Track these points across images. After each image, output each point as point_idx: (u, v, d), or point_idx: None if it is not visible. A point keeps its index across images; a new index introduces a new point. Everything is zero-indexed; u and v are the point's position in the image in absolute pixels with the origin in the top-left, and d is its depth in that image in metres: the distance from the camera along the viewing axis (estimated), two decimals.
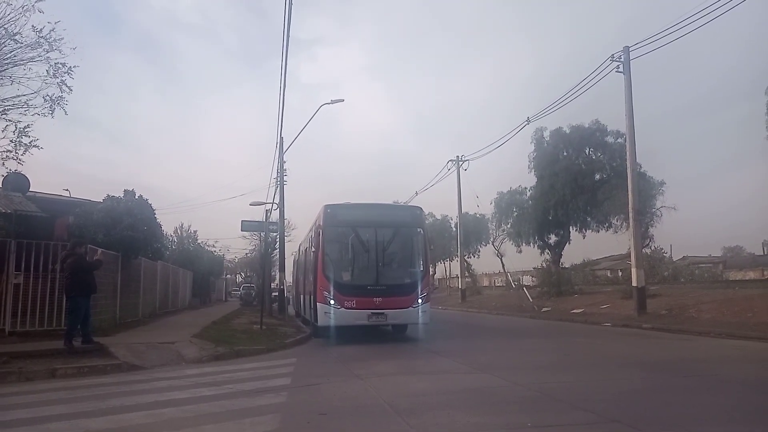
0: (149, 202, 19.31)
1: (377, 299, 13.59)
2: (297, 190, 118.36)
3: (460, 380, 8.52)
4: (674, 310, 18.95)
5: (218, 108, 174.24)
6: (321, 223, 14.25)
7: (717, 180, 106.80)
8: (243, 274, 78.65)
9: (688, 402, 6.60)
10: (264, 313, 18.49)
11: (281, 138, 26.10)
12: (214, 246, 48.03)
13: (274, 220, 25.51)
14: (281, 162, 25.84)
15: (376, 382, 8.16)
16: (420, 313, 13.97)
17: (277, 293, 27.06)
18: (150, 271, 21.28)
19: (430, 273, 16.05)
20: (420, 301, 14.01)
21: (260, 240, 29.30)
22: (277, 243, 26.85)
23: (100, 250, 13.51)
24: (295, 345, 13.76)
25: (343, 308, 13.50)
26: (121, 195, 18.73)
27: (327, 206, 14.45)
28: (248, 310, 30.56)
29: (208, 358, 10.89)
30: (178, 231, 41.93)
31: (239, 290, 56.41)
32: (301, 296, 21.11)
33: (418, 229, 14.92)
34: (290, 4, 13.38)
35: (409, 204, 30.74)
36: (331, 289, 13.57)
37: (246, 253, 61.83)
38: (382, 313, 13.65)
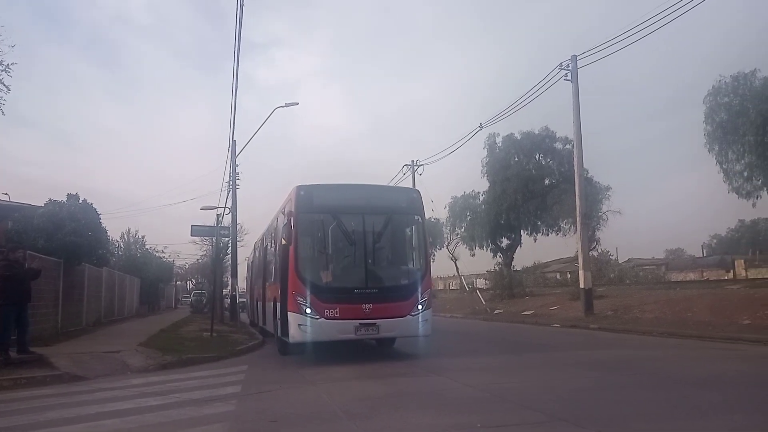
0: (94, 206, 18.67)
1: (367, 306, 10.54)
2: (251, 194, 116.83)
3: (412, 383, 8.55)
4: (619, 310, 19.58)
5: (170, 110, 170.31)
6: (292, 209, 10.95)
7: (659, 185, 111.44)
8: (194, 280, 76.84)
9: (632, 399, 6.80)
10: (215, 320, 18.10)
11: (233, 141, 25.71)
12: (163, 252, 46.66)
13: (226, 225, 25.08)
14: (233, 165, 25.43)
15: (330, 388, 8.09)
16: (420, 323, 11.00)
17: (229, 299, 26.56)
18: (94, 277, 20.57)
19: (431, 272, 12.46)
20: (420, 307, 11.01)
21: (211, 245, 28.70)
22: (230, 248, 26.39)
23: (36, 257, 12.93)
24: (247, 352, 13.50)
25: (323, 318, 10.39)
26: (65, 199, 18.03)
27: (300, 187, 11.17)
28: (199, 318, 29.88)
29: (155, 367, 10.57)
30: (125, 236, 40.62)
31: (190, 297, 55.08)
32: (259, 303, 17.73)
33: (416, 217, 11.80)
34: (242, 4, 13.18)
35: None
36: (308, 294, 10.47)
37: (197, 259, 60.49)
38: (373, 324, 10.60)
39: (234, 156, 25.49)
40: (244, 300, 30.31)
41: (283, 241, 10.94)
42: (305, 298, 10.44)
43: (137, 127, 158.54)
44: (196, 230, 19.60)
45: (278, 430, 5.73)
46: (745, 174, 18.00)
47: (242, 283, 32.42)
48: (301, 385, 8.53)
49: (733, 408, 6.13)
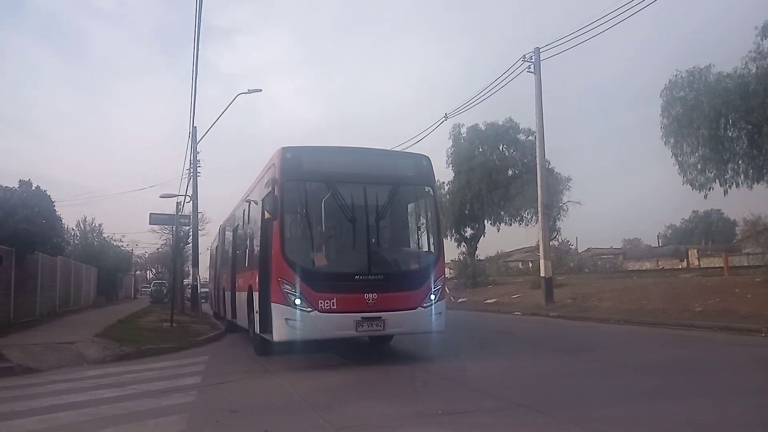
0: (48, 193, 18.08)
1: (370, 296, 8.64)
2: (213, 183, 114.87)
3: (372, 370, 8.64)
4: (578, 299, 20.04)
5: (130, 96, 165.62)
6: (277, 176, 9.01)
7: (618, 177, 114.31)
8: (154, 270, 75.36)
9: (589, 385, 6.97)
10: (176, 311, 17.77)
11: (194, 127, 25.16)
12: (121, 241, 45.66)
13: (187, 214, 24.59)
14: (194, 152, 24.90)
15: (292, 378, 8.04)
16: (433, 316, 9.10)
17: (190, 289, 26.13)
18: (49, 267, 19.93)
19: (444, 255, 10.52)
20: (433, 297, 9.10)
21: (171, 234, 28.13)
22: (190, 237, 25.92)
23: None
24: (208, 342, 13.29)
25: (316, 311, 8.45)
26: (16, 186, 17.40)
27: (285, 149, 9.20)
28: (159, 308, 29.30)
29: (112, 358, 10.30)
30: (81, 225, 39.53)
31: (150, 287, 53.99)
32: (226, 293, 15.55)
33: (427, 189, 9.94)
34: None
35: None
36: (297, 281, 8.48)
37: (157, 248, 59.24)
38: (378, 318, 8.65)
39: (195, 143, 24.96)
40: (207, 290, 29.85)
41: (267, 215, 8.89)
42: (294, 286, 8.42)
43: (96, 113, 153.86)
44: (155, 218, 19.11)
45: (238, 421, 5.66)
46: (699, 166, 18.55)
47: (204, 273, 31.96)
48: (262, 376, 8.46)
49: (683, 392, 6.35)
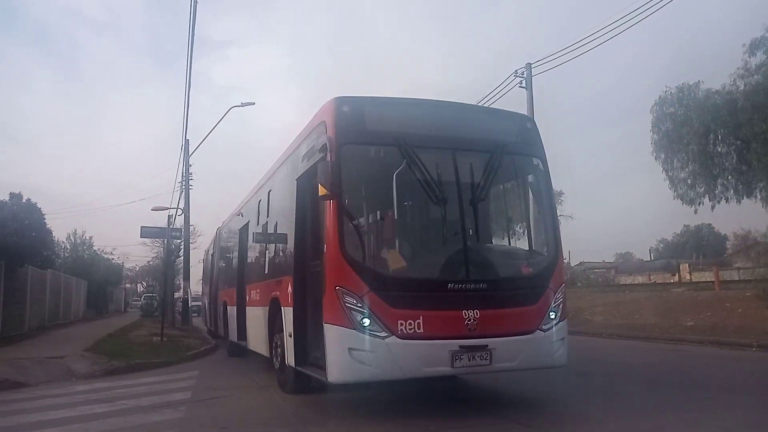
0: (38, 206, 18.00)
1: (471, 314, 5.91)
2: (205, 196, 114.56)
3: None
4: (571, 313, 19.99)
5: (122, 107, 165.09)
6: (331, 137, 6.16)
7: (610, 191, 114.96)
8: (144, 283, 74.88)
9: (580, 400, 6.96)
10: (166, 324, 17.62)
11: (187, 140, 25.17)
12: (111, 253, 45.45)
13: (178, 227, 24.51)
14: (187, 165, 24.93)
15: (283, 393, 7.97)
16: (555, 344, 6.36)
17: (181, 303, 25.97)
18: (38, 280, 19.75)
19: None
20: (553, 315, 6.36)
21: (163, 247, 28.01)
22: (182, 250, 25.82)
23: None
24: (198, 357, 13.18)
25: (394, 337, 5.71)
26: (6, 198, 17.31)
27: (341, 101, 6.38)
28: (149, 322, 29.05)
29: (102, 373, 10.19)
30: (72, 237, 39.32)
31: (140, 300, 53.61)
32: (228, 308, 12.95)
33: (535, 161, 7.00)
34: (195, 2, 12.89)
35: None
36: (366, 290, 5.78)
37: (148, 261, 58.97)
38: (483, 348, 5.92)
39: (187, 155, 24.99)
40: (199, 304, 29.60)
41: (322, 190, 5.85)
42: (361, 300, 5.67)
43: (88, 124, 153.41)
44: (146, 231, 18.99)
45: None
46: (689, 181, 18.74)
47: (196, 287, 31.74)
48: (253, 391, 8.39)
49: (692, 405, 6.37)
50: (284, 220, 8.18)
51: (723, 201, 18.44)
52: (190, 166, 25.14)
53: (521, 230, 7.35)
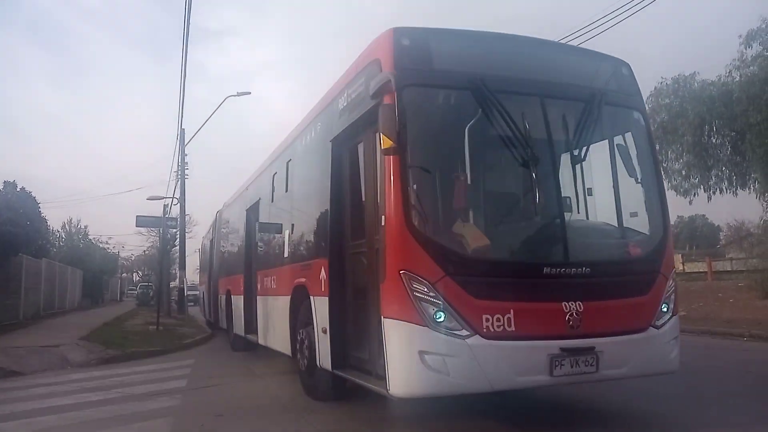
0: (33, 195, 17.94)
1: (573, 306, 4.60)
2: (201, 186, 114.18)
3: None
4: None
5: (118, 97, 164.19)
6: (389, 75, 4.63)
7: None
8: (140, 272, 74.86)
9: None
10: (162, 313, 17.65)
11: (182, 129, 25.13)
12: (107, 243, 45.43)
13: (174, 216, 24.49)
14: (182, 154, 24.86)
15: (279, 380, 8.03)
16: (669, 344, 5.08)
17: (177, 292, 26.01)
18: (33, 269, 19.72)
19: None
20: (665, 308, 5.08)
21: (158, 236, 27.98)
22: (177, 239, 25.82)
23: None
24: (194, 345, 13.25)
25: (478, 336, 4.35)
26: (0, 187, 17.25)
27: (400, 32, 4.88)
28: (145, 311, 29.07)
29: (97, 362, 10.23)
30: (67, 226, 39.23)
31: (136, 289, 53.62)
32: (231, 298, 11.97)
33: (636, 115, 5.66)
34: None
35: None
36: (440, 276, 4.37)
37: (143, 251, 58.97)
38: (589, 350, 4.61)
39: (183, 145, 24.92)
40: (195, 293, 29.62)
41: (386, 142, 4.45)
42: (434, 288, 4.35)
43: (82, 114, 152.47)
44: (142, 221, 18.93)
45: (223, 424, 5.64)
46: (684, 172, 18.80)
47: (192, 276, 31.78)
48: (249, 379, 8.44)
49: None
50: (312, 191, 6.76)
51: (717, 192, 18.53)
52: (186, 155, 25.09)
53: (622, 200, 5.57)
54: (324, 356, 5.90)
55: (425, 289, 4.34)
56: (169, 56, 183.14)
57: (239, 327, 10.99)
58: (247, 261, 10.56)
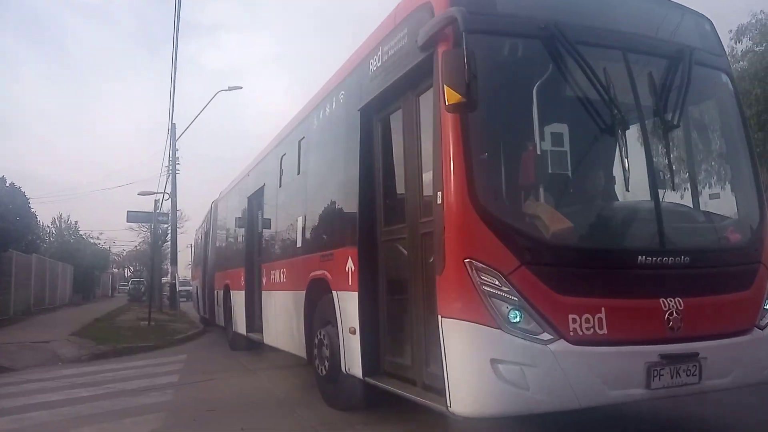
0: (23, 190, 17.79)
1: (672, 304, 3.74)
2: (192, 180, 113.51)
3: None
4: None
5: (108, 92, 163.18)
6: (452, 18, 3.65)
7: None
8: (132, 268, 74.50)
9: None
10: (154, 309, 17.57)
11: (173, 124, 24.94)
12: (98, 238, 45.13)
13: (165, 211, 24.36)
14: (173, 149, 24.71)
15: (272, 375, 8.03)
16: None
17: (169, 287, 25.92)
18: (23, 265, 19.57)
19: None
20: None
21: (150, 231, 27.84)
22: (169, 235, 25.72)
23: None
24: (186, 341, 13.20)
25: (563, 341, 3.47)
26: None
27: None
28: (137, 306, 28.97)
29: (88, 357, 10.18)
30: (57, 222, 38.96)
31: (127, 285, 53.36)
32: (232, 294, 10.99)
33: (724, 77, 4.76)
34: None
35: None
36: (516, 266, 3.51)
37: (135, 246, 58.64)
38: (692, 356, 3.77)
39: (174, 139, 24.76)
40: (188, 288, 29.48)
41: (452, 96, 3.47)
42: (509, 280, 3.50)
43: (72, 108, 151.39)
44: (133, 216, 18.85)
45: (215, 419, 5.63)
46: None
47: (183, 271, 31.64)
48: (242, 374, 8.43)
49: None
50: (334, 171, 5.92)
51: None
52: (177, 150, 24.95)
53: (713, 178, 5.11)
54: (352, 361, 5.05)
55: (497, 282, 3.48)
56: (162, 50, 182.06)
57: (240, 325, 10.18)
58: (249, 253, 9.82)
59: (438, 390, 3.79)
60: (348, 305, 5.13)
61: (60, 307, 26.27)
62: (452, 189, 3.62)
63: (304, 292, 6.31)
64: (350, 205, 5.37)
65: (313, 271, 6.11)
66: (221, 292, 12.15)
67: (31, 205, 19.00)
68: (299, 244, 6.86)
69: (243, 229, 10.39)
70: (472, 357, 3.50)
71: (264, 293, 8.54)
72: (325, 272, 5.78)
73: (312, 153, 6.81)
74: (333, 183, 5.94)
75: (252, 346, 9.96)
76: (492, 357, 3.42)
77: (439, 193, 3.73)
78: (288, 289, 7.18)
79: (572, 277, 3.67)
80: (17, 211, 16.90)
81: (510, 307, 3.46)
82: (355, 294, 4.95)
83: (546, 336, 3.47)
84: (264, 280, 8.52)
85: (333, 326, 5.50)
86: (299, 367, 8.54)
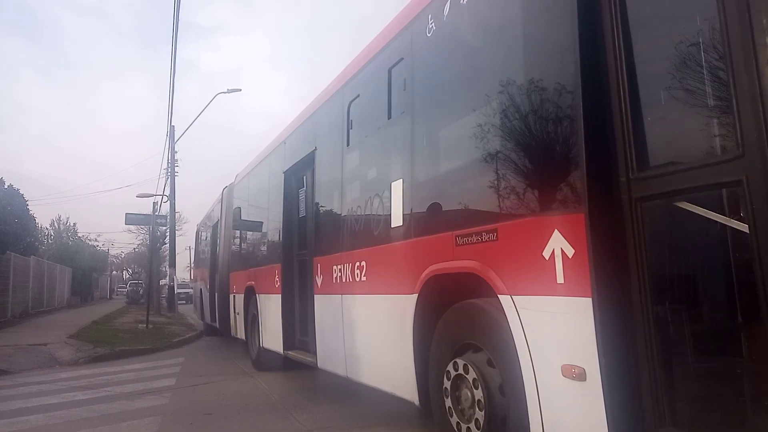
0: (21, 192, 17.79)
1: None
2: (191, 182, 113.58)
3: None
4: None
5: (107, 93, 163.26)
6: None
7: None
8: (130, 270, 74.48)
9: None
10: (152, 312, 17.56)
11: (172, 126, 24.99)
12: (96, 240, 45.18)
13: (163, 214, 24.39)
14: (172, 151, 24.75)
15: (268, 379, 8.02)
16: None
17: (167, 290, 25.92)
18: (21, 267, 19.55)
19: None
20: None
21: (148, 234, 27.85)
22: (167, 237, 25.73)
23: None
24: (183, 344, 13.19)
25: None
26: None
27: None
28: (135, 309, 28.95)
29: (86, 360, 10.17)
30: (55, 224, 38.97)
31: (126, 287, 53.33)
32: (258, 298, 8.63)
33: None
34: None
35: None
36: None
37: (133, 248, 58.72)
38: None
39: (173, 141, 24.79)
40: (188, 291, 29.45)
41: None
42: None
43: (70, 109, 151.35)
44: (131, 218, 18.84)
45: (212, 423, 5.62)
46: None
47: (182, 273, 31.55)
48: (238, 378, 8.41)
49: None
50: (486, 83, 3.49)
51: None
52: (176, 152, 24.97)
53: None
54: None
55: None
56: (159, 51, 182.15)
57: (272, 340, 7.87)
58: (288, 245, 7.58)
59: None
60: (553, 324, 2.75)
61: (58, 309, 26.26)
62: None
63: (415, 296, 4.05)
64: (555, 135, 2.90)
65: (437, 262, 3.82)
66: (240, 297, 9.90)
67: (29, 207, 19.02)
68: (398, 222, 4.50)
69: (277, 214, 8.05)
70: None
71: (319, 298, 6.25)
72: (475, 263, 3.37)
73: (425, 78, 4.34)
74: (472, 116, 3.57)
75: (290, 367, 7.94)
76: None
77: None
78: (373, 293, 4.92)
79: None
80: (15, 212, 16.91)
81: None
82: (588, 302, 2.50)
83: None
84: (319, 280, 6.26)
85: (481, 354, 3.38)
86: (296, 371, 8.50)
